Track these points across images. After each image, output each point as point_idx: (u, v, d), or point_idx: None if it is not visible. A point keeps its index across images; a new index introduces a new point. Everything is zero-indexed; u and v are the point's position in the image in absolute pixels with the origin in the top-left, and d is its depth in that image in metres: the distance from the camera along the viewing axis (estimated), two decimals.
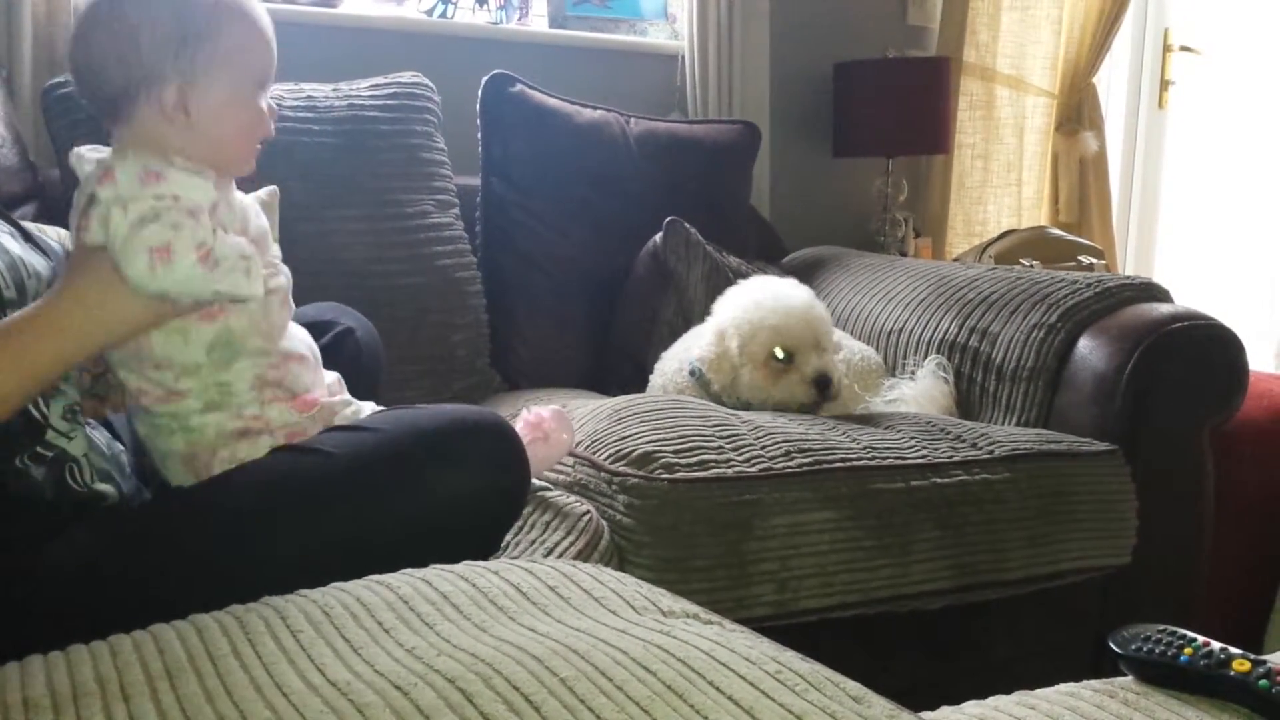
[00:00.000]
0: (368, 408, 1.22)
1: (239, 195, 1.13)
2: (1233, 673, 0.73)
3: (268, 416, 1.11)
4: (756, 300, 1.75)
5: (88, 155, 1.07)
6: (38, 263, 1.07)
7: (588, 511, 1.35)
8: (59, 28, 2.00)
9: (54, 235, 1.50)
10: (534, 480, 1.31)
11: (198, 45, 1.06)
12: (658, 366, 1.92)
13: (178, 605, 0.90)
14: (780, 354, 1.72)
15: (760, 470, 1.45)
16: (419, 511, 1.07)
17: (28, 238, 1.11)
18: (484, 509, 1.13)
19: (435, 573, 0.94)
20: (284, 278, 1.14)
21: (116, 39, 1.04)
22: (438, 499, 1.08)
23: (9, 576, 1.00)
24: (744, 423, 1.57)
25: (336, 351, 1.37)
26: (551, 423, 1.33)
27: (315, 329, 1.40)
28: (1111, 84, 3.73)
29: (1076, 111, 3.39)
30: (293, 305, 1.17)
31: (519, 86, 2.20)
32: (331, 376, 1.24)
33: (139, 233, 0.98)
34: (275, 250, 1.16)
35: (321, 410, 1.15)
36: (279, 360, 1.12)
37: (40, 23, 1.99)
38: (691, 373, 1.82)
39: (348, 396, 1.22)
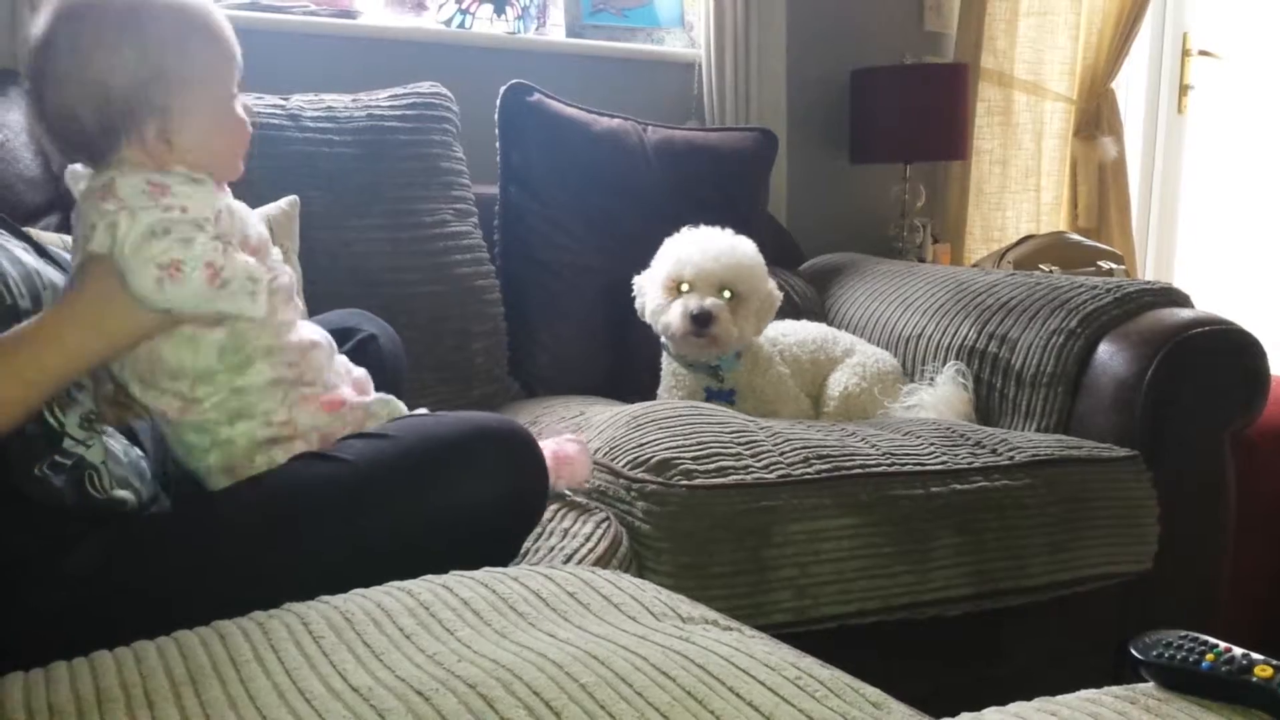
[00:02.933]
0: (402, 405, 1.23)
1: (237, 204, 1.13)
2: (1255, 679, 0.73)
3: (296, 420, 1.11)
4: (683, 238, 1.86)
5: (83, 172, 1.07)
6: (53, 275, 1.08)
7: (606, 518, 1.35)
8: None
9: None
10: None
11: (168, 80, 1.04)
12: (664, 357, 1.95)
13: (197, 612, 0.91)
14: (685, 287, 1.80)
15: (779, 477, 1.45)
16: (437, 517, 1.08)
17: (42, 252, 1.12)
18: (502, 515, 1.13)
19: (456, 579, 0.94)
20: (286, 277, 1.14)
21: (85, 88, 1.02)
22: (456, 505, 1.08)
23: (31, 584, 1.01)
24: (762, 429, 1.57)
25: (359, 358, 1.38)
26: (577, 456, 1.34)
27: (338, 336, 1.40)
28: (1130, 89, 3.71)
29: (1095, 117, 3.38)
30: (299, 303, 1.17)
31: (537, 96, 2.21)
32: (360, 371, 1.24)
33: (148, 246, 0.98)
34: (276, 253, 1.16)
35: (349, 410, 1.15)
36: (295, 356, 1.12)
37: None
38: (663, 347, 1.92)
39: (384, 396, 1.22)
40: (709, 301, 1.77)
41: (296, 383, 1.12)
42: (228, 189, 1.13)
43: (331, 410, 1.14)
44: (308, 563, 1.05)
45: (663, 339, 1.90)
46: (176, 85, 1.05)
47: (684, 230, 1.90)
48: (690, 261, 1.80)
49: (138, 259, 0.98)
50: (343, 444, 1.12)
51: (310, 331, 1.17)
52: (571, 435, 1.41)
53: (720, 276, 1.79)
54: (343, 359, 1.23)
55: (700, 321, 1.76)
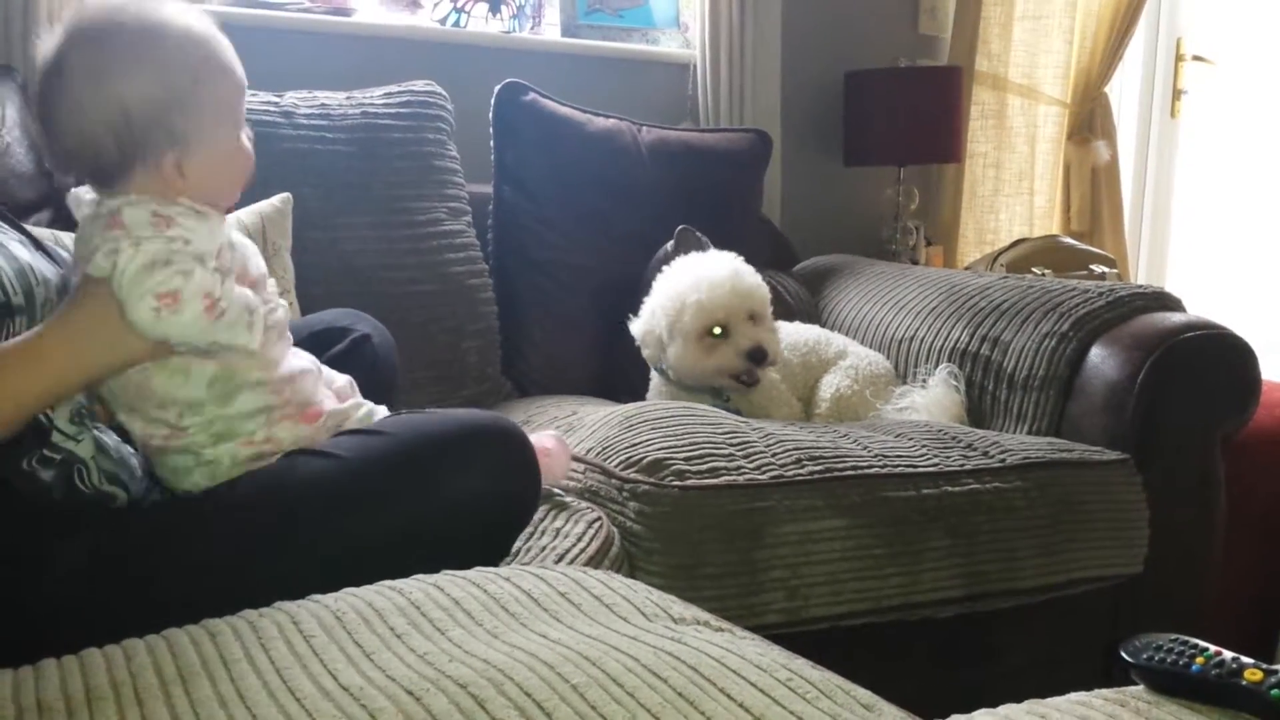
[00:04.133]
0: (380, 412, 1.23)
1: (238, 237, 1.13)
2: (1245, 682, 0.73)
3: (278, 437, 1.11)
4: (682, 278, 1.79)
5: (86, 198, 1.06)
6: (47, 270, 1.07)
7: (599, 518, 1.35)
8: None
9: (68, 243, 1.51)
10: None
11: (186, 109, 1.03)
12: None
13: (188, 608, 0.90)
14: (717, 330, 1.74)
15: (771, 478, 1.45)
16: (429, 515, 1.07)
17: (38, 245, 1.11)
18: (494, 513, 1.13)
19: (447, 578, 0.94)
20: (281, 311, 1.14)
21: (104, 113, 1.01)
22: (448, 503, 1.08)
23: (20, 579, 1.00)
24: (755, 430, 1.57)
25: (353, 357, 1.38)
26: (555, 451, 1.34)
27: (331, 335, 1.41)
28: (1124, 93, 3.72)
29: (1089, 120, 3.38)
30: (290, 336, 1.16)
31: (531, 95, 2.21)
32: (343, 380, 1.24)
33: (149, 277, 0.98)
34: (272, 286, 1.16)
35: (329, 418, 1.15)
36: (282, 385, 1.12)
37: None
38: (657, 367, 1.86)
39: (359, 400, 1.22)
40: (758, 335, 1.74)
41: (281, 406, 1.12)
42: (229, 221, 1.13)
43: (311, 422, 1.14)
44: (299, 558, 1.05)
45: (657, 365, 1.85)
46: (195, 113, 1.04)
47: (667, 273, 1.83)
48: (719, 305, 1.73)
49: (137, 289, 0.98)
50: (335, 440, 1.12)
51: (299, 360, 1.16)
52: (551, 431, 1.41)
53: (748, 306, 1.75)
54: (325, 369, 1.23)
55: (758, 358, 1.74)
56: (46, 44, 1.03)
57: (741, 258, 1.82)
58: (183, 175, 1.05)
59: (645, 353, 1.84)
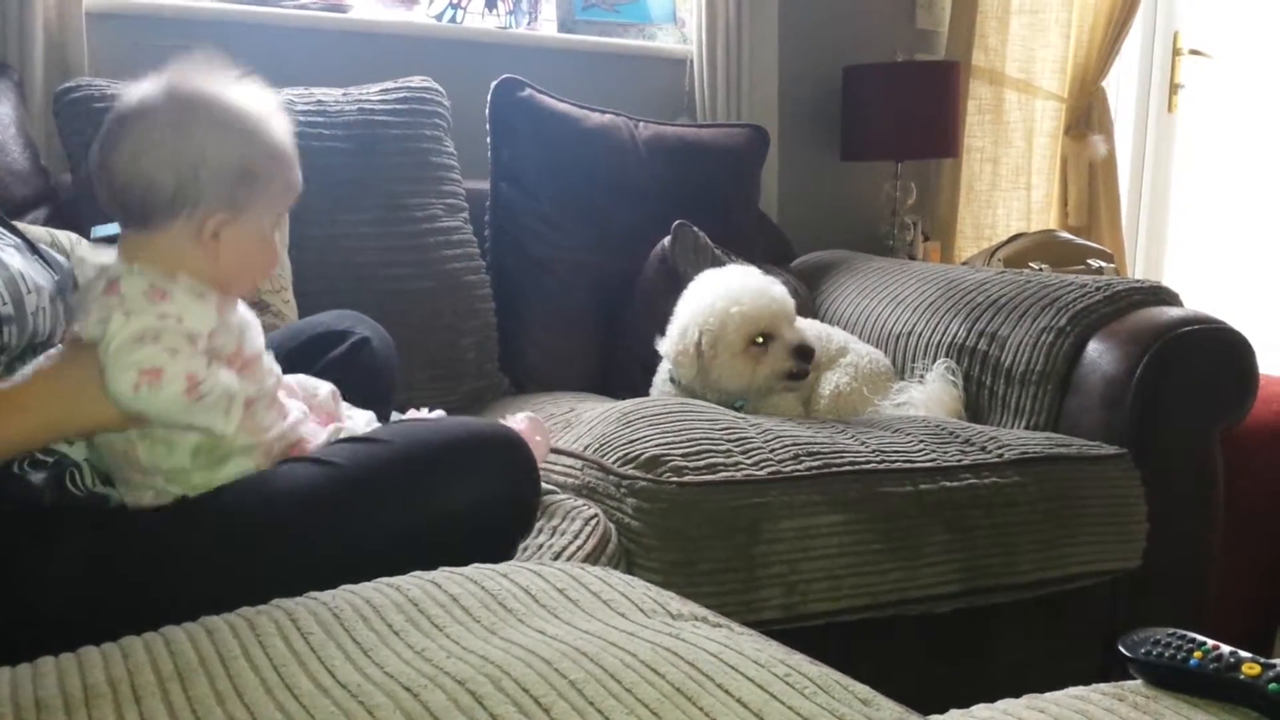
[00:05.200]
0: (360, 416, 1.22)
1: (243, 311, 1.12)
2: (1243, 676, 0.73)
3: None
4: (718, 292, 1.77)
5: (90, 261, 1.06)
6: (39, 277, 1.06)
7: (596, 515, 1.35)
8: (70, 32, 2.01)
9: (65, 241, 1.51)
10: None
11: (253, 182, 1.06)
12: (659, 369, 1.92)
13: (185, 608, 0.90)
14: (760, 339, 1.74)
15: (768, 473, 1.45)
16: (429, 521, 1.07)
17: (33, 249, 1.11)
18: (494, 521, 1.12)
19: (444, 575, 0.94)
20: (273, 379, 1.13)
21: (178, 160, 1.02)
22: (448, 509, 1.07)
23: (20, 579, 1.00)
24: (752, 425, 1.57)
25: (352, 361, 1.37)
26: (529, 432, 1.33)
27: (331, 338, 1.40)
28: (1121, 88, 3.71)
29: (1086, 115, 3.38)
30: (283, 404, 1.15)
31: (528, 91, 2.21)
32: (326, 390, 1.23)
33: (135, 350, 0.97)
34: (268, 358, 1.14)
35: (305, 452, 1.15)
36: (271, 445, 1.11)
37: (52, 27, 1.99)
38: (671, 379, 1.85)
39: (339, 424, 1.21)
40: (801, 335, 1.76)
41: (271, 462, 1.11)
42: (239, 301, 1.12)
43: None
44: (298, 565, 1.04)
45: (671, 374, 1.84)
46: (257, 189, 1.06)
47: (692, 290, 1.82)
48: (762, 312, 1.74)
49: (121, 360, 0.97)
50: (334, 448, 1.11)
51: (290, 414, 1.15)
52: (524, 413, 1.40)
53: (786, 312, 1.76)
54: (302, 379, 1.22)
55: (807, 355, 1.75)
56: (138, 91, 1.04)
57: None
58: (219, 241, 1.05)
59: (679, 372, 1.81)
